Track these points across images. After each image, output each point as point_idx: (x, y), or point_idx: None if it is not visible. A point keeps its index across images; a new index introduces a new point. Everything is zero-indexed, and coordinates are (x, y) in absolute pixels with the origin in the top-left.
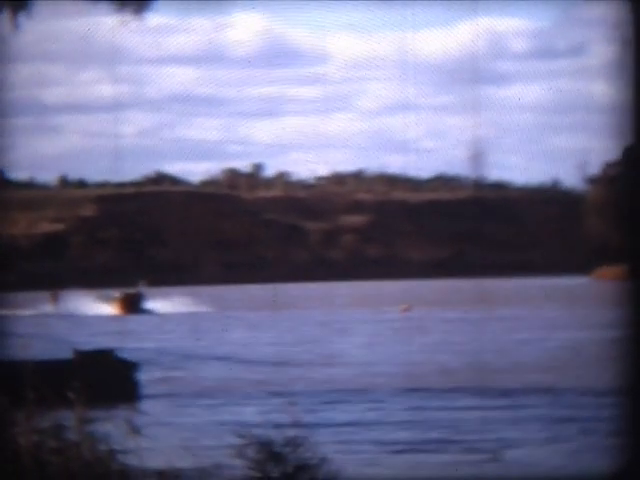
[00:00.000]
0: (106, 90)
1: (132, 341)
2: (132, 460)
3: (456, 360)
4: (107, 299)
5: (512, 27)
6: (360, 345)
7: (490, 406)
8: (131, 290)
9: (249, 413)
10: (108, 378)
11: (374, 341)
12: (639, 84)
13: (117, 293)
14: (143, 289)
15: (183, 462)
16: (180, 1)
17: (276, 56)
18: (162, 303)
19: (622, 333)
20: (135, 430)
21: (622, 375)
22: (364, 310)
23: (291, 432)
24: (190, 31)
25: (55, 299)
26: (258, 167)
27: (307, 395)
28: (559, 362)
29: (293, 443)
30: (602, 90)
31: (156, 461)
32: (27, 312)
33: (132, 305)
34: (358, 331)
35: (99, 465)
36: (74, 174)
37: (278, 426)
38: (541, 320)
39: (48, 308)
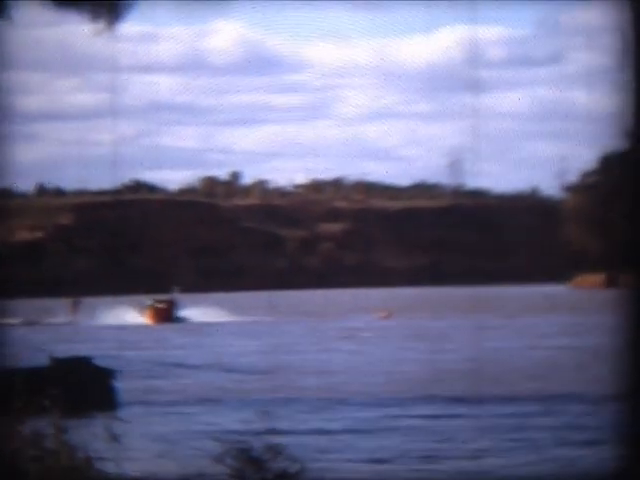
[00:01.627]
0: (84, 98)
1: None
2: (111, 468)
3: (442, 367)
4: (138, 308)
5: (492, 34)
6: (340, 353)
7: (484, 414)
8: (164, 298)
9: (229, 421)
10: (85, 385)
11: (354, 349)
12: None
13: (149, 301)
14: (176, 296)
15: (162, 469)
16: (159, 9)
17: (255, 64)
18: (195, 312)
19: (615, 340)
20: (114, 438)
21: (620, 381)
22: (343, 317)
23: (271, 440)
24: (169, 39)
25: (75, 308)
26: (236, 175)
27: (286, 403)
28: (546, 369)
29: (273, 451)
30: (581, 98)
31: (135, 469)
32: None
33: (165, 314)
34: (337, 339)
35: (77, 473)
36: (52, 182)
37: (258, 434)
38: (523, 327)
39: (67, 318)
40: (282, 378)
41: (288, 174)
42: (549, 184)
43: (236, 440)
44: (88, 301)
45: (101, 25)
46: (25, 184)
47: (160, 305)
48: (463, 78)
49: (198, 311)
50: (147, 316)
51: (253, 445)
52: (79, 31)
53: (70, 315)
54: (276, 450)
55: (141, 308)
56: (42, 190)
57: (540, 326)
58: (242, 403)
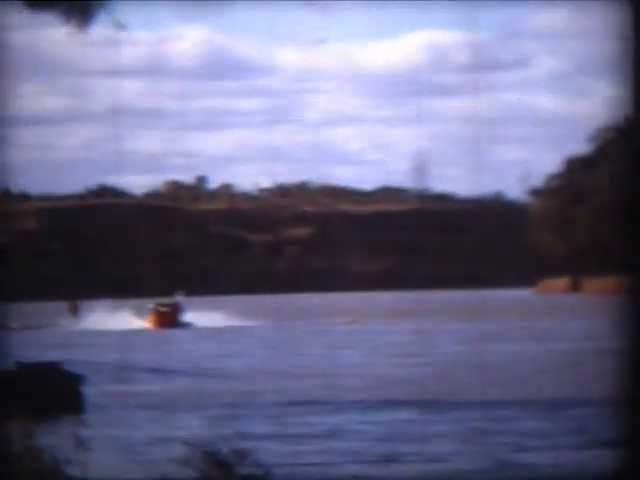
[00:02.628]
0: (48, 102)
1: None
2: (78, 472)
3: (413, 372)
4: (140, 312)
5: (455, 39)
6: (308, 357)
7: (451, 419)
8: (167, 301)
9: (196, 425)
10: (52, 391)
11: (322, 353)
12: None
13: (151, 305)
14: (180, 300)
15: (130, 474)
16: (124, 14)
17: (220, 68)
18: (198, 316)
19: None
20: (80, 442)
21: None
22: (309, 322)
23: (238, 443)
24: (134, 44)
25: (74, 311)
26: (202, 179)
27: (253, 407)
28: (519, 373)
29: (239, 454)
30: (546, 102)
31: (102, 473)
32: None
33: (169, 319)
34: (303, 343)
35: (44, 477)
36: (16, 187)
37: (225, 437)
38: (488, 331)
39: (66, 321)
40: (254, 382)
41: (254, 178)
42: (514, 188)
43: (203, 444)
44: (83, 304)
45: (71, 28)
46: None
47: (164, 309)
48: (428, 82)
49: (202, 316)
50: (150, 320)
51: (220, 449)
52: (44, 35)
53: (69, 318)
54: (242, 454)
55: (142, 312)
56: (7, 195)
57: (504, 330)
58: (210, 407)
